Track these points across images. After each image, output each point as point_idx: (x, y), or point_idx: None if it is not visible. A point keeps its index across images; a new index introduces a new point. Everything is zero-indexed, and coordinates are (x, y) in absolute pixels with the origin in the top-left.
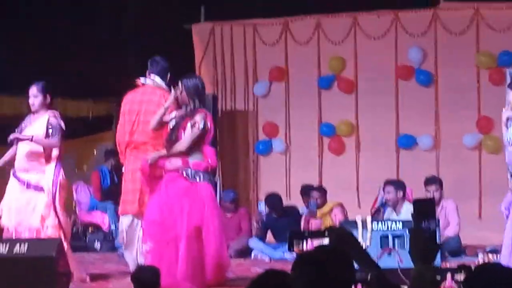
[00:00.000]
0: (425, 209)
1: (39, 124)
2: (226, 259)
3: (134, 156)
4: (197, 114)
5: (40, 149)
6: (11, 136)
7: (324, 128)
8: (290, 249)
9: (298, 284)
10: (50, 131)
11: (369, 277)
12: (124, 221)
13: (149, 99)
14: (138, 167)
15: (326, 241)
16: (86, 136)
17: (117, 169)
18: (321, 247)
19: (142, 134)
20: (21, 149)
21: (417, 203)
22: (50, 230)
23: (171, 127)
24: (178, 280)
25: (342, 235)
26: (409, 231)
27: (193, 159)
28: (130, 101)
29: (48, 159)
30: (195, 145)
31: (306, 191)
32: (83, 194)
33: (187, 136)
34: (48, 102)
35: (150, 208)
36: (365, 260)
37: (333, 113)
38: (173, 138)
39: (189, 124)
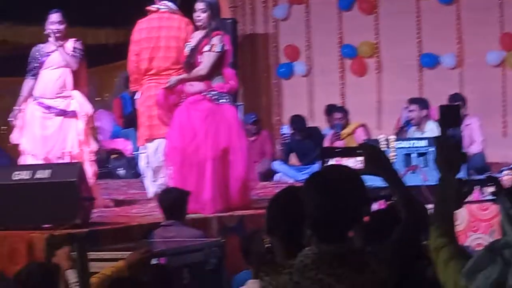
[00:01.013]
0: (451, 115)
1: (62, 49)
2: (253, 180)
3: (155, 82)
4: (214, 37)
5: (69, 74)
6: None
7: (345, 49)
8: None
9: (306, 203)
10: (74, 53)
11: (396, 196)
12: (146, 148)
13: (169, 24)
14: (151, 95)
15: (358, 158)
16: (106, 64)
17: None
18: (331, 166)
19: (163, 60)
20: (48, 75)
21: (443, 109)
22: (87, 156)
23: (188, 51)
24: (203, 204)
25: (375, 151)
26: (434, 139)
27: (216, 82)
28: (146, 29)
29: (75, 85)
30: (215, 68)
31: (329, 111)
32: (105, 121)
33: (206, 60)
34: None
35: (172, 133)
36: (394, 179)
37: (354, 34)
38: (191, 61)
39: (206, 47)
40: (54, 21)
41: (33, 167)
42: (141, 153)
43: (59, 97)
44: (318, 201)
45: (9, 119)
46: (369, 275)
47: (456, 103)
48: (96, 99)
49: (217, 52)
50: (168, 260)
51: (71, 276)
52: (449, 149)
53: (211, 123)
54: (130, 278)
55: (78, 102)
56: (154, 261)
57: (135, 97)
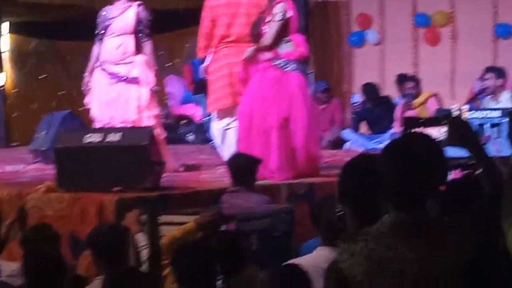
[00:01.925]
0: None
1: (126, 16)
2: (316, 151)
3: (235, 49)
4: (275, 5)
5: (131, 41)
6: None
7: (419, 18)
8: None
9: (385, 171)
10: (144, 27)
11: (480, 168)
12: (220, 121)
13: None
14: (235, 61)
15: (443, 129)
16: (177, 30)
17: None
18: (411, 134)
19: (244, 27)
20: (110, 42)
21: None
22: (147, 121)
23: (253, 22)
24: (270, 171)
25: (459, 122)
26: (508, 112)
27: (284, 49)
28: None
29: (137, 50)
30: (281, 36)
31: (401, 80)
32: (175, 87)
33: (269, 30)
34: None
35: (244, 98)
36: (480, 151)
37: (428, 2)
38: (255, 33)
39: (269, 17)
40: None
41: (104, 131)
42: (213, 119)
43: (121, 63)
44: (397, 168)
45: (82, 88)
46: (445, 245)
47: None
48: (166, 65)
49: (278, 21)
50: (237, 225)
51: (141, 239)
52: None
53: (275, 91)
54: (200, 241)
55: (140, 68)
56: (222, 228)
57: (204, 63)
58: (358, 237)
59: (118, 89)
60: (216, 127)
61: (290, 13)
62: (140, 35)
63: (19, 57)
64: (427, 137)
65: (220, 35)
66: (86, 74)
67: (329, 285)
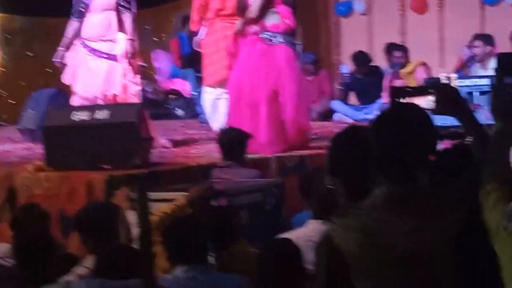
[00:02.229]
0: (510, 63)
1: None
2: (306, 123)
3: (229, 23)
4: None
5: (113, 17)
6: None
7: None
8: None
9: (376, 140)
10: (125, 2)
11: (471, 136)
12: (212, 91)
13: None
14: (227, 34)
15: (430, 97)
16: (163, 4)
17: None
18: (401, 104)
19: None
20: (93, 19)
21: (501, 57)
22: (132, 99)
23: None
24: (260, 144)
25: (448, 90)
26: (490, 86)
27: (270, 21)
28: None
29: (120, 27)
30: (266, 8)
31: (389, 49)
32: (162, 62)
33: (253, 2)
34: None
35: (233, 72)
36: (470, 119)
37: None
38: (242, 5)
39: None
40: None
41: (92, 108)
42: (207, 93)
43: (103, 40)
44: (388, 138)
45: (53, 59)
46: (439, 216)
47: None
48: (153, 39)
49: None
50: (227, 200)
51: (131, 216)
52: (506, 96)
53: (262, 64)
54: (191, 217)
55: (121, 45)
56: (213, 203)
57: (198, 36)
58: (351, 211)
59: (101, 66)
60: (208, 97)
61: None
62: (120, 9)
63: (5, 35)
64: (416, 106)
65: (215, 9)
66: (61, 48)
67: (322, 260)
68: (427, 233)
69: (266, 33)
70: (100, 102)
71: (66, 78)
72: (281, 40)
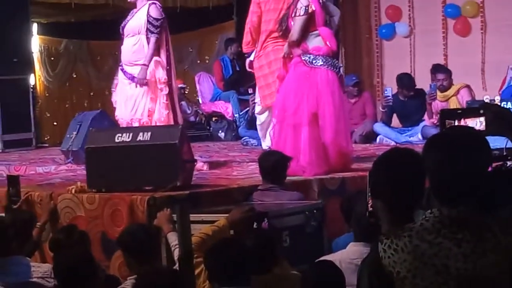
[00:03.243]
0: None
1: (139, 16)
2: (347, 146)
3: (281, 45)
4: (299, 1)
5: (144, 41)
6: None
7: (448, 9)
8: (442, 129)
9: (428, 164)
10: (151, 26)
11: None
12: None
13: None
14: (280, 57)
15: (480, 119)
16: (207, 27)
17: (239, 58)
18: (455, 127)
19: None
20: (127, 43)
21: None
22: (159, 123)
23: (280, 18)
24: (301, 166)
25: (499, 111)
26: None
27: (312, 44)
28: None
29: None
30: (306, 31)
31: (433, 71)
32: (205, 84)
33: (294, 25)
34: None
35: (278, 94)
36: None
37: None
38: (283, 28)
39: (294, 12)
40: None
41: (135, 130)
42: (261, 114)
43: (135, 64)
44: (441, 162)
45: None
46: (491, 241)
47: None
48: (197, 61)
49: (301, 15)
50: (269, 222)
51: (172, 238)
52: None
53: (304, 87)
54: (232, 239)
55: (152, 70)
56: (255, 225)
57: (249, 58)
58: (401, 233)
59: (134, 90)
60: (263, 119)
61: (312, 7)
62: (147, 32)
63: (50, 58)
64: (470, 129)
65: (268, 30)
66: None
67: (371, 282)
68: (480, 257)
69: (308, 55)
70: (135, 125)
71: (113, 101)
72: (322, 62)
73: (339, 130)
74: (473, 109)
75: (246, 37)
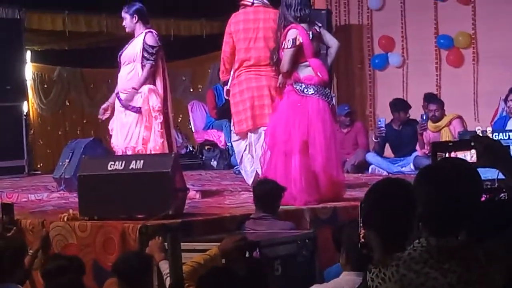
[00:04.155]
0: None
1: (135, 44)
2: (338, 176)
3: (255, 74)
4: (287, 32)
5: (139, 69)
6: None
7: (441, 40)
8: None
9: (418, 196)
10: (146, 53)
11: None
12: (237, 144)
13: (266, 17)
14: (255, 85)
15: (472, 151)
16: (200, 55)
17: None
18: (446, 159)
19: (264, 51)
20: (123, 71)
21: None
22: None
23: (271, 50)
24: (293, 194)
25: (489, 143)
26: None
27: (304, 74)
28: (244, 20)
29: (149, 80)
30: (297, 62)
31: (425, 101)
32: (198, 112)
33: (284, 57)
34: (136, 22)
35: (269, 122)
36: None
37: (451, 24)
38: (274, 59)
39: (284, 44)
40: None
41: (128, 158)
42: (235, 141)
43: (129, 91)
44: (431, 194)
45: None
46: (478, 271)
47: None
48: (190, 90)
49: (289, 48)
50: (261, 252)
51: (164, 266)
52: None
53: (295, 115)
54: (224, 269)
55: (146, 98)
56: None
57: (226, 86)
58: (389, 262)
59: (128, 118)
60: (237, 149)
61: (300, 40)
62: (143, 60)
63: (43, 85)
64: (462, 161)
65: (240, 59)
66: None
67: None
68: (468, 287)
69: (300, 84)
70: (130, 152)
71: (110, 128)
72: (313, 91)
73: (330, 159)
74: (464, 141)
75: (221, 66)
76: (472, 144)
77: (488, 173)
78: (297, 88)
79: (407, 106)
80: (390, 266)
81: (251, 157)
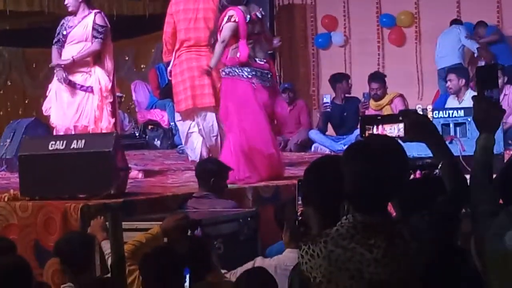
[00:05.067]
0: (488, 76)
1: (84, 24)
2: (275, 151)
3: (195, 54)
4: (226, 13)
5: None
6: (54, 63)
7: (384, 19)
8: (362, 135)
9: (345, 171)
10: (96, 32)
11: (440, 164)
12: (182, 123)
13: None
14: (196, 65)
15: (400, 125)
16: (143, 35)
17: None
18: (372, 136)
19: (203, 31)
20: (69, 50)
21: (479, 70)
22: (105, 131)
23: (211, 31)
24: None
25: (418, 118)
26: (472, 98)
27: (230, 55)
28: (184, 1)
29: (95, 60)
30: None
31: (368, 80)
32: (141, 92)
33: (222, 31)
34: (81, 1)
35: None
36: (440, 146)
37: (393, 3)
38: (211, 41)
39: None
40: None
41: (68, 137)
42: (179, 121)
43: (78, 72)
44: (357, 171)
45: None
46: (401, 245)
47: (493, 63)
48: (133, 70)
49: (226, 23)
50: (203, 230)
51: (106, 246)
52: (487, 108)
53: (224, 99)
54: (167, 247)
55: (97, 77)
56: (188, 233)
57: (169, 67)
58: (318, 239)
59: (75, 97)
60: (181, 129)
61: (236, 19)
62: (93, 39)
63: None
64: (388, 138)
65: (180, 40)
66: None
67: (292, 287)
68: (391, 262)
69: (226, 69)
70: (72, 132)
71: (44, 109)
72: (239, 73)
73: (263, 138)
74: (393, 115)
75: (163, 47)
76: (400, 118)
77: (424, 151)
78: (225, 72)
79: (347, 76)
80: (318, 242)
81: (200, 136)
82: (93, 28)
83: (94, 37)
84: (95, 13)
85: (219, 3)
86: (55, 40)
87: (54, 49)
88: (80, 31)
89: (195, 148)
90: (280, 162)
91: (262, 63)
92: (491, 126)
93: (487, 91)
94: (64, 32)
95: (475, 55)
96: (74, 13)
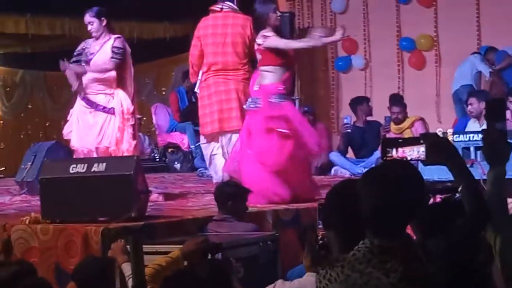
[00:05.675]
0: (497, 109)
1: (104, 52)
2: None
3: (223, 78)
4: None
5: (110, 73)
6: (62, 67)
7: (403, 42)
8: (383, 157)
9: (362, 196)
10: (113, 54)
11: (460, 187)
12: (206, 146)
13: (234, 22)
14: (223, 89)
15: (421, 148)
16: (163, 58)
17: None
18: (390, 161)
19: (231, 56)
20: (90, 73)
21: (489, 103)
22: (127, 153)
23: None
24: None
25: (438, 140)
26: (482, 132)
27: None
28: (212, 25)
29: (118, 83)
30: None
31: (389, 103)
32: (162, 115)
33: (279, 41)
34: (104, 25)
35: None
36: (461, 168)
37: (413, 27)
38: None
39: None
40: (86, 22)
41: (89, 161)
42: (203, 144)
43: (101, 93)
44: (373, 196)
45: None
46: (419, 269)
47: (500, 98)
48: (153, 93)
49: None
50: (223, 253)
51: (127, 268)
52: (495, 141)
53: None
54: (187, 271)
55: (119, 99)
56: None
57: (194, 89)
58: (335, 263)
59: (97, 119)
60: (204, 151)
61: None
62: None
63: (6, 88)
64: (405, 163)
65: (208, 63)
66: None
67: None
68: (409, 285)
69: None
70: (94, 155)
71: (64, 133)
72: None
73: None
74: (413, 138)
75: (190, 69)
76: (421, 141)
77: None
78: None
79: (367, 98)
80: (336, 267)
81: (223, 159)
82: (112, 51)
83: (111, 58)
84: (114, 38)
85: (254, 12)
86: (73, 60)
87: (70, 70)
88: (101, 59)
89: (218, 170)
90: (314, 184)
91: None
92: (501, 159)
93: (496, 123)
94: (85, 58)
95: (486, 79)
96: (96, 38)
